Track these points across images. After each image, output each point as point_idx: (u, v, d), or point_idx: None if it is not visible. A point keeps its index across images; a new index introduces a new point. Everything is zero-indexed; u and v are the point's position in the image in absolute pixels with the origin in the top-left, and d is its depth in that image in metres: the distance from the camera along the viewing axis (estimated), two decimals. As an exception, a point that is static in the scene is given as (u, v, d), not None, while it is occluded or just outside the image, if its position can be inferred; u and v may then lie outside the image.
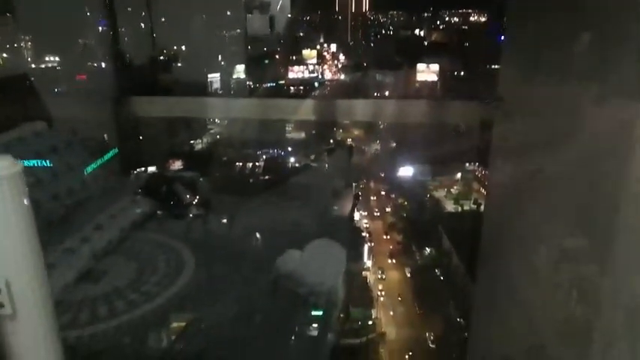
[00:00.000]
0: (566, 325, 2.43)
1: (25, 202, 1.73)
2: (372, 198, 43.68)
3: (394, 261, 38.06)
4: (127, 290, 3.44)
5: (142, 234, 4.45)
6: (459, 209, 39.01)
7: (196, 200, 6.24)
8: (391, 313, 33.13)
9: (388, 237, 40.36)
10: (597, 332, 2.01)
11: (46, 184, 4.83)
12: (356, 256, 31.82)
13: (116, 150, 7.25)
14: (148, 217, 5.06)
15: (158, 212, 5.59)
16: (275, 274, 3.98)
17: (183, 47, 33.98)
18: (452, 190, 41.54)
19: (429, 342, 29.78)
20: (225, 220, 6.01)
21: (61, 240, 4.24)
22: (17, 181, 1.71)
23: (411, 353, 30.20)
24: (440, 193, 41.48)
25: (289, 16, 43.41)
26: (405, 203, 42.47)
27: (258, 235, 5.34)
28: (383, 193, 44.51)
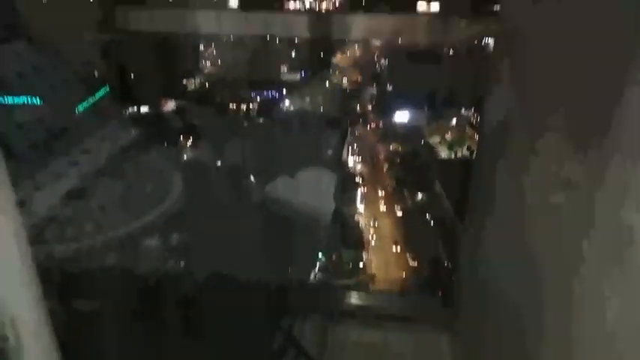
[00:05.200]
0: (558, 249, 2.42)
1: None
2: (366, 143, 43.48)
3: (386, 205, 38.49)
4: (113, 208, 3.43)
5: (131, 157, 4.40)
6: (453, 156, 39.08)
7: (189, 132, 6.12)
8: (382, 255, 33.91)
9: (381, 182, 40.56)
10: (589, 252, 1.98)
11: (29, 106, 4.68)
12: (348, 199, 32.13)
13: (107, 88, 6.98)
14: (137, 142, 4.98)
15: (149, 140, 5.49)
16: (265, 198, 3.97)
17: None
18: (446, 136, 41.37)
19: (417, 283, 30.81)
20: (216, 152, 5.93)
21: (48, 163, 4.18)
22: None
23: (399, 291, 31.31)
24: (434, 139, 41.35)
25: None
26: (399, 149, 42.39)
27: (250, 169, 5.28)
28: (377, 138, 44.24)
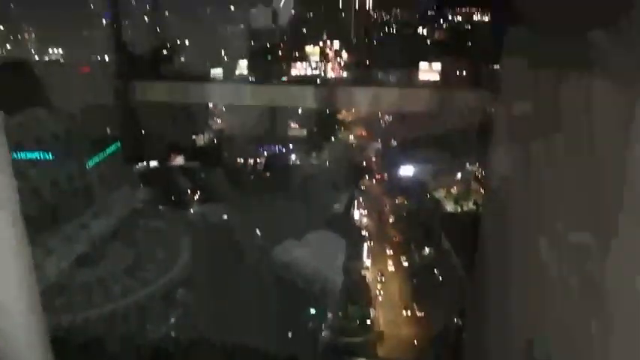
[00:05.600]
0: (566, 320, 2.42)
1: (5, 155, 1.65)
2: (371, 197, 43.62)
3: (393, 260, 38.01)
4: (123, 276, 3.47)
5: (140, 220, 4.49)
6: (459, 210, 38.97)
7: (197, 191, 6.26)
8: (389, 312, 33.12)
9: (388, 236, 40.28)
10: (598, 327, 1.98)
11: (45, 170, 4.83)
12: (355, 254, 31.81)
13: (118, 144, 7.21)
14: (148, 206, 5.08)
15: (158, 201, 5.60)
16: (273, 263, 4.01)
17: (187, 41, 33.96)
18: (452, 190, 41.47)
19: (427, 342, 29.87)
20: (224, 211, 6.04)
21: (60, 226, 4.28)
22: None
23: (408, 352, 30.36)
24: (440, 193, 41.43)
25: (292, 12, 43.40)
26: (405, 203, 42.40)
27: (257, 230, 5.37)
28: (383, 192, 44.45)
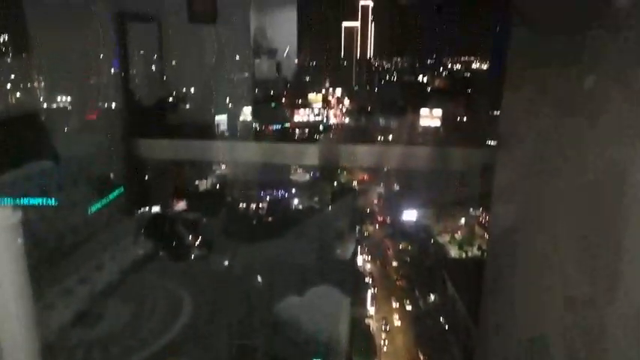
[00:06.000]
0: (573, 352, 2.35)
1: (20, 252, 1.72)
2: (374, 242, 43.42)
3: (397, 308, 37.36)
4: (123, 335, 3.35)
5: (142, 276, 4.39)
6: (464, 255, 38.71)
7: (198, 242, 6.23)
8: (394, 362, 32.23)
9: (391, 282, 39.82)
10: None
11: (50, 222, 4.80)
12: (358, 302, 31.31)
13: (122, 189, 7.26)
14: (150, 259, 5.01)
15: (160, 253, 5.53)
16: (274, 320, 3.89)
17: (192, 89, 34.91)
18: (456, 235, 41.32)
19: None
20: (226, 263, 5.98)
21: (61, 279, 4.18)
22: (14, 232, 1.71)
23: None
24: (444, 238, 41.25)
25: (296, 62, 44.84)
26: (409, 248, 42.13)
27: (259, 278, 5.30)
28: (386, 237, 44.31)
